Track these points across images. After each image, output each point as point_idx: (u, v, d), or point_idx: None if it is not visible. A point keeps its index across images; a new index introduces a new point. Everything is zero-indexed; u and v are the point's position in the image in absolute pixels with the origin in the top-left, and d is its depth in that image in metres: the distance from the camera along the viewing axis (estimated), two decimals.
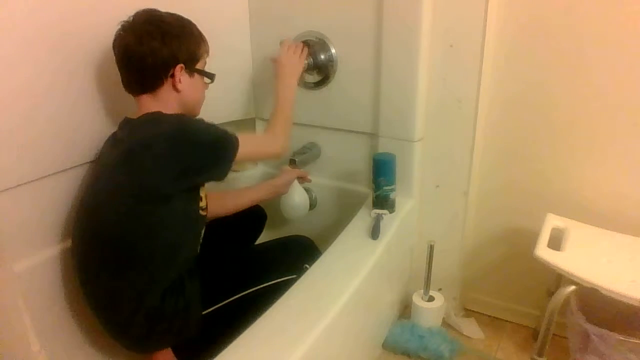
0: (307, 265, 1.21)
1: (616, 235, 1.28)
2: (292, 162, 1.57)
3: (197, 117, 1.16)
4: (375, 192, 1.42)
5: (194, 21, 1.18)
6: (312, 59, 1.49)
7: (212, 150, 1.10)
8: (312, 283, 1.14)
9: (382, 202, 1.41)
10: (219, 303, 1.17)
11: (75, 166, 1.23)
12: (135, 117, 1.14)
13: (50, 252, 1.20)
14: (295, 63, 1.42)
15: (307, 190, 1.62)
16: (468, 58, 1.32)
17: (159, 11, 1.13)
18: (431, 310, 1.49)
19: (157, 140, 1.04)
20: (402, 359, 1.44)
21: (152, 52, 1.09)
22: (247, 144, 1.15)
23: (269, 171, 1.78)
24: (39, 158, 1.14)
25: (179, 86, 1.14)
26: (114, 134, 1.20)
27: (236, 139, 1.13)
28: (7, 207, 1.10)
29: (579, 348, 1.18)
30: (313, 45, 1.52)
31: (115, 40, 1.12)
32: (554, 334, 1.23)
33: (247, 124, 1.77)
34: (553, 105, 1.34)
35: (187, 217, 1.12)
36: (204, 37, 1.20)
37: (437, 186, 1.50)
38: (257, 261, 1.27)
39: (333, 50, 1.51)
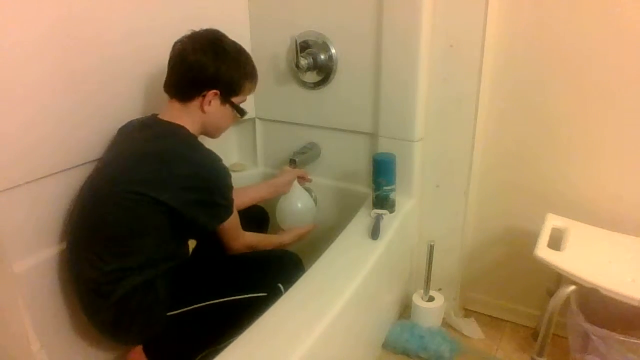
0: (281, 285, 1.18)
1: (616, 235, 1.28)
2: (292, 162, 1.56)
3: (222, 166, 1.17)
4: (375, 192, 1.42)
5: (193, 21, 1.19)
6: (312, 59, 1.49)
7: (216, 208, 1.16)
8: (313, 283, 1.14)
9: (382, 202, 1.41)
10: (187, 306, 1.16)
11: (75, 166, 1.22)
12: (164, 118, 1.18)
13: (50, 252, 1.20)
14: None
15: (306, 190, 1.62)
16: (468, 58, 1.32)
17: (225, 36, 1.20)
18: (431, 310, 1.49)
19: (184, 166, 1.10)
20: (402, 359, 1.44)
21: (199, 65, 1.14)
22: (231, 220, 1.20)
23: (268, 171, 1.78)
24: (39, 158, 1.14)
25: (206, 108, 1.18)
26: (131, 124, 1.24)
27: (230, 214, 1.19)
28: (7, 207, 1.10)
29: (579, 348, 1.18)
30: (313, 45, 1.52)
31: (176, 43, 1.18)
32: (554, 334, 1.23)
33: (247, 124, 1.77)
34: (553, 106, 1.34)
35: (174, 231, 1.15)
36: (256, 77, 1.26)
37: (437, 186, 1.50)
38: (233, 272, 1.24)
39: (333, 50, 1.51)
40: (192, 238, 1.33)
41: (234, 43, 1.21)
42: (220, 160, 1.16)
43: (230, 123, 1.29)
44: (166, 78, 1.20)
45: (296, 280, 1.16)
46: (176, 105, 1.19)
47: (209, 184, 1.14)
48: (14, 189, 1.10)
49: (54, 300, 1.21)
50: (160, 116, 1.20)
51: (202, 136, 1.25)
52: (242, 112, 1.26)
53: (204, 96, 1.17)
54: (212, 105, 1.19)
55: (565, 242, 1.25)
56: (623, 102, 1.25)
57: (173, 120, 1.17)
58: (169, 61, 1.19)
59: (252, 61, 1.24)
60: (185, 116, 1.18)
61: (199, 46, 1.15)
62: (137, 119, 1.26)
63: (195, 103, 1.18)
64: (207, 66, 1.15)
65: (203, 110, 1.18)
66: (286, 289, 1.15)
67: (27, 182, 1.13)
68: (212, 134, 1.27)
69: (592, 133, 1.31)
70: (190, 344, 1.19)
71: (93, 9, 1.20)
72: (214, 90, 1.17)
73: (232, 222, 1.22)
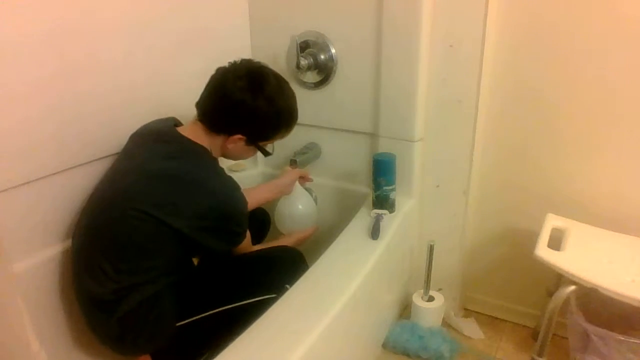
0: (288, 286, 1.16)
1: (616, 235, 1.28)
2: (293, 163, 1.56)
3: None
4: (375, 192, 1.42)
5: (193, 22, 1.18)
6: (312, 59, 1.49)
7: (229, 235, 1.16)
8: (313, 283, 1.14)
9: (382, 202, 1.41)
10: (195, 316, 1.15)
11: (76, 166, 1.22)
12: (185, 132, 1.14)
13: (50, 252, 1.20)
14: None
15: (307, 190, 1.62)
16: (468, 58, 1.32)
17: (269, 76, 1.14)
18: (431, 310, 1.49)
19: (201, 194, 1.07)
20: (402, 359, 1.44)
21: (233, 105, 1.10)
22: (243, 243, 1.21)
23: (268, 171, 1.78)
24: (40, 158, 1.14)
25: (230, 146, 1.17)
26: (146, 131, 1.20)
27: (243, 240, 1.19)
28: (7, 207, 1.10)
29: (579, 348, 1.18)
30: (313, 45, 1.52)
31: (219, 69, 1.15)
32: (554, 334, 1.23)
33: None
34: (553, 105, 1.34)
35: (184, 251, 1.14)
36: (292, 123, 1.22)
37: (437, 186, 1.50)
38: (238, 277, 1.23)
39: (333, 50, 1.51)
40: (201, 255, 1.32)
41: (278, 85, 1.15)
42: (238, 188, 1.15)
43: (251, 156, 1.27)
44: (200, 98, 1.16)
45: (301, 276, 1.16)
46: (201, 127, 1.15)
47: (225, 214, 1.11)
48: (14, 188, 1.10)
49: (54, 300, 1.21)
50: (181, 129, 1.16)
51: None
52: (266, 154, 1.25)
53: (229, 136, 1.14)
54: (237, 144, 1.17)
55: (565, 242, 1.25)
56: (623, 102, 1.25)
57: (195, 140, 1.13)
58: (207, 83, 1.15)
59: (292, 106, 1.19)
60: (208, 141, 1.15)
61: (238, 83, 1.10)
62: (152, 125, 1.23)
63: (220, 137, 1.15)
64: (241, 110, 1.11)
65: (225, 146, 1.17)
66: None
67: (28, 182, 1.13)
68: (230, 159, 1.27)
69: (593, 133, 1.31)
70: (200, 349, 1.19)
71: (94, 10, 1.20)
72: (240, 135, 1.14)
73: (244, 244, 1.22)
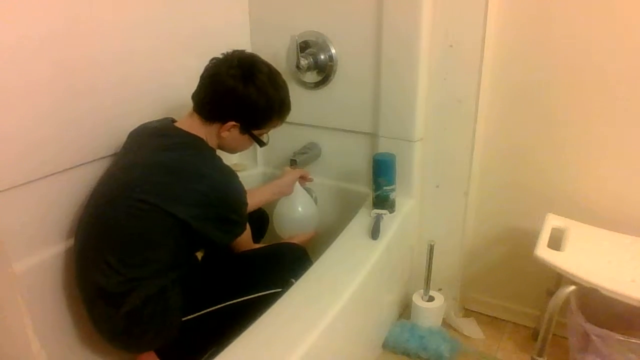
0: (294, 280, 1.17)
1: (616, 235, 1.28)
2: (293, 163, 1.56)
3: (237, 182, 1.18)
4: (375, 192, 1.42)
5: (193, 21, 1.18)
6: (312, 59, 1.49)
7: (229, 224, 1.16)
8: (313, 283, 1.14)
9: (382, 202, 1.41)
10: (201, 310, 1.16)
11: (77, 166, 1.22)
12: (182, 126, 1.16)
13: (50, 251, 1.20)
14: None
15: (307, 190, 1.62)
16: (468, 58, 1.32)
17: (262, 65, 1.16)
18: (431, 310, 1.49)
19: (199, 181, 1.08)
20: (402, 359, 1.44)
21: (225, 93, 1.12)
22: (243, 236, 1.22)
23: (268, 171, 1.78)
24: (40, 158, 1.14)
25: (224, 134, 1.17)
26: (144, 129, 1.22)
27: (243, 230, 1.20)
28: (8, 207, 1.10)
29: (579, 348, 1.18)
30: (313, 45, 1.52)
31: (213, 59, 1.17)
32: (554, 334, 1.23)
33: None
34: (553, 105, 1.34)
35: (186, 243, 1.14)
36: (285, 112, 1.23)
37: (437, 186, 1.50)
38: (244, 271, 1.24)
39: (333, 50, 1.51)
40: (204, 249, 1.33)
41: (270, 73, 1.16)
42: (236, 176, 1.16)
43: (248, 148, 1.28)
44: (196, 89, 1.18)
45: (306, 271, 1.18)
46: (197, 118, 1.17)
47: (223, 201, 1.12)
48: (15, 188, 1.10)
49: (54, 300, 1.21)
50: (177, 124, 1.18)
51: None
52: (261, 143, 1.26)
53: (223, 123, 1.16)
54: (231, 132, 1.18)
55: (565, 242, 1.25)
56: (624, 101, 1.25)
57: (191, 131, 1.15)
58: (201, 75, 1.17)
59: (283, 95, 1.20)
60: (203, 131, 1.17)
61: (231, 72, 1.12)
62: (150, 123, 1.24)
63: (215, 126, 1.16)
64: (232, 96, 1.12)
65: (220, 135, 1.18)
66: None
67: (28, 182, 1.13)
68: (228, 152, 1.27)
69: (592, 133, 1.31)
70: (206, 344, 1.19)
71: (94, 10, 1.20)
72: (233, 122, 1.15)
73: (244, 237, 1.22)
